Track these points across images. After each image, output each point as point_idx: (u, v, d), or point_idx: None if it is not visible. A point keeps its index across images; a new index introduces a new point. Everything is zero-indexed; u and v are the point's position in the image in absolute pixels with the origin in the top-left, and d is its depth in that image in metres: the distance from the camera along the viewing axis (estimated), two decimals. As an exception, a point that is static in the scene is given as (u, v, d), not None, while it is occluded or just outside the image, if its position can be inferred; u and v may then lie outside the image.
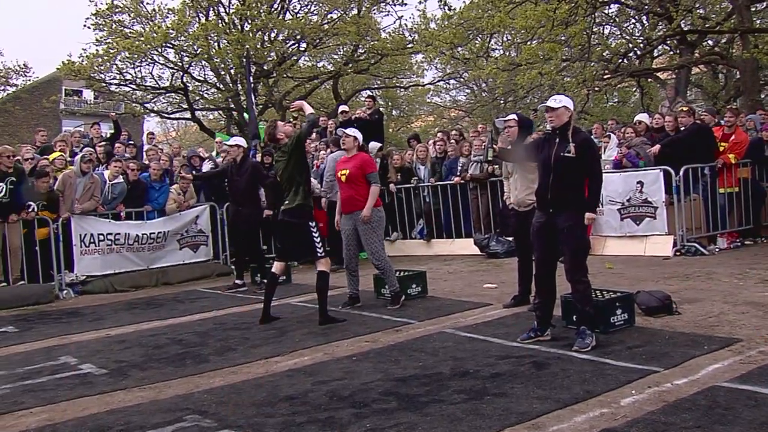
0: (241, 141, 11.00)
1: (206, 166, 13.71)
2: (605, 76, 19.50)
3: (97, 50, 25.47)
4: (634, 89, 29.14)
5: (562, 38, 17.91)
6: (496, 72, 18.74)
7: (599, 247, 11.22)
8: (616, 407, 4.34)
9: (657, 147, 11.30)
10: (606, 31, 25.00)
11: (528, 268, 7.57)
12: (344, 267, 8.67)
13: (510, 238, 11.57)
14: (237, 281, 10.81)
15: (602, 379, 4.88)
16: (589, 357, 5.47)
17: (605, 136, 12.63)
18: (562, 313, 6.58)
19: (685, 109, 12.00)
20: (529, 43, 17.92)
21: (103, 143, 13.88)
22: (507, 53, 28.48)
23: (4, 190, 10.75)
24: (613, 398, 4.50)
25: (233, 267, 11.68)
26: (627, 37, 23.55)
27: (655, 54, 24.05)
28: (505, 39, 26.85)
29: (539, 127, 15.00)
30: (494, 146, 6.93)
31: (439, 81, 35.38)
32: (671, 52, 23.25)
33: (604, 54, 19.33)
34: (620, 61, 19.26)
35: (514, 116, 7.55)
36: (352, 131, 8.56)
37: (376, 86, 34.30)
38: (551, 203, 5.92)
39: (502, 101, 31.89)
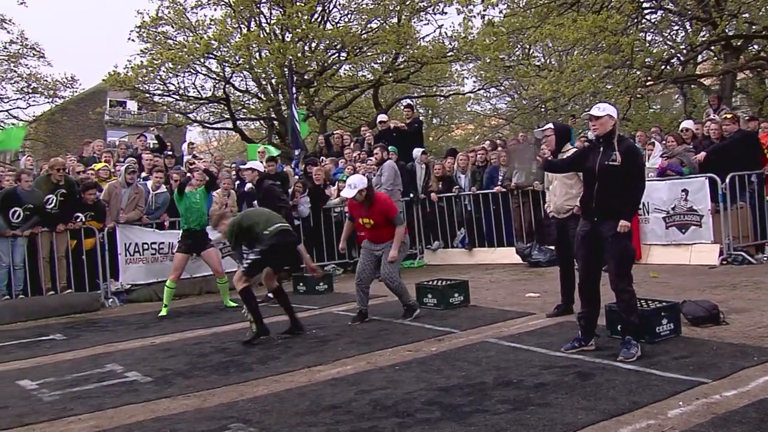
0: (255, 165, 10.89)
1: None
2: (647, 83, 19.30)
3: (141, 61, 25.88)
4: (676, 96, 28.80)
5: (603, 45, 17.76)
6: (546, 87, 18.55)
7: (643, 256, 11.09)
8: (663, 419, 4.28)
9: (702, 154, 11.13)
10: (648, 38, 24.75)
11: (570, 276, 7.52)
12: (357, 280, 8.38)
13: (551, 247, 11.51)
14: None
15: (648, 390, 4.81)
16: (635, 367, 5.40)
17: (649, 144, 12.46)
18: (607, 323, 6.49)
19: (729, 116, 11.82)
20: (574, 53, 17.78)
21: (150, 155, 14.01)
22: (548, 60, 28.37)
23: (54, 201, 10.99)
24: (660, 410, 4.44)
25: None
26: (670, 43, 23.28)
27: (699, 60, 23.72)
28: (546, 47, 26.75)
29: (579, 134, 14.91)
30: (538, 158, 6.88)
31: (479, 89, 35.30)
32: (715, 58, 22.93)
33: (647, 61, 19.09)
34: (663, 67, 19.03)
35: (551, 125, 7.52)
36: (353, 189, 8.00)
37: (416, 95, 34.29)
38: (596, 212, 5.86)
39: (543, 109, 31.71)
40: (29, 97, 28.74)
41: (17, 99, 28.61)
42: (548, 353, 6.10)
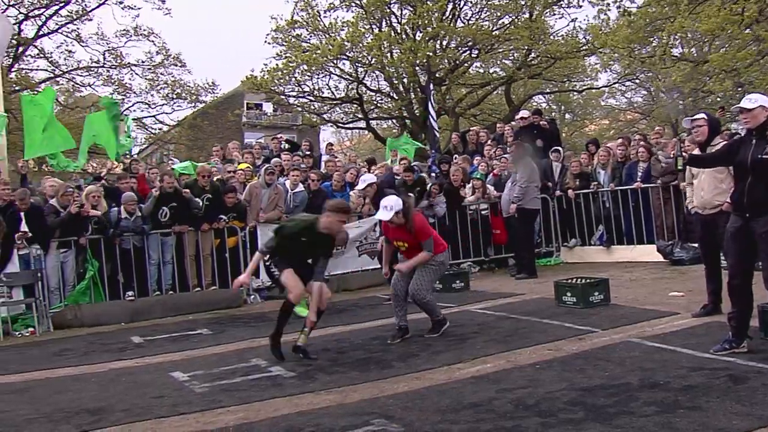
0: (369, 179, 10.66)
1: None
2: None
3: (277, 64, 26.64)
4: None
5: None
6: (682, 79, 17.87)
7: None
8: (832, 428, 4.04)
9: None
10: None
11: (716, 275, 7.23)
12: (392, 296, 7.98)
13: (695, 245, 11.06)
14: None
15: (812, 397, 4.56)
16: (794, 372, 5.12)
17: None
18: (760, 324, 6.19)
19: None
20: (715, 43, 17.05)
21: (288, 155, 14.36)
22: (688, 50, 27.36)
23: (200, 204, 11.47)
24: (828, 419, 4.19)
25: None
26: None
27: None
28: (685, 37, 25.79)
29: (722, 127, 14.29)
30: (684, 154, 6.62)
31: (614, 83, 34.40)
32: None
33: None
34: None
35: (703, 115, 7.17)
36: (389, 211, 7.56)
37: (548, 90, 33.80)
38: (748, 207, 5.61)
39: (681, 102, 30.61)
40: (173, 103, 30.08)
41: (162, 104, 30.01)
42: (696, 354, 5.87)
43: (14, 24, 23.87)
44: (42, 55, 27.42)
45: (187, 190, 11.60)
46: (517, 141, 12.87)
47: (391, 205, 7.56)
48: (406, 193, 11.26)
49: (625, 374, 5.45)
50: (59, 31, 27.45)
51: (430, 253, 7.59)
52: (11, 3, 25.51)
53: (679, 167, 6.45)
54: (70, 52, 27.84)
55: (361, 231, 12.52)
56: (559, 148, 14.26)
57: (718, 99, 26.85)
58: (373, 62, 26.54)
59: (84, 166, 14.66)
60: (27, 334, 10.08)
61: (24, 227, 10.43)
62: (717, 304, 7.28)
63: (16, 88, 25.15)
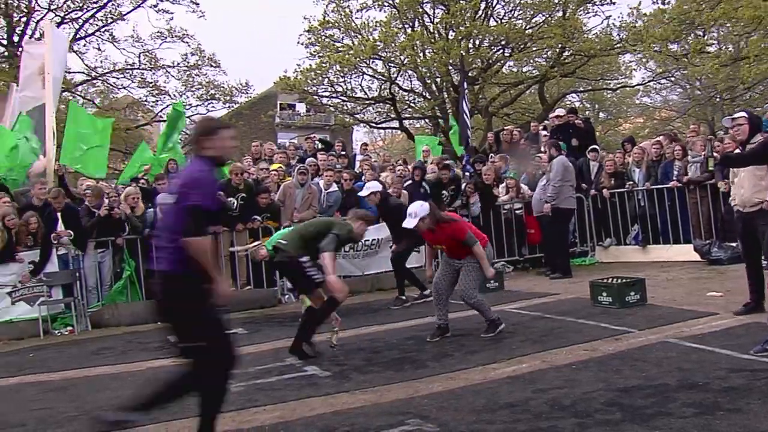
0: (373, 186, 10.64)
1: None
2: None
3: (310, 65, 26.75)
4: None
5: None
6: (717, 69, 17.64)
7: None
8: None
9: None
10: None
11: (758, 273, 7.12)
12: (434, 294, 7.91)
13: (733, 244, 10.92)
14: (424, 293, 10.71)
15: None
16: (837, 373, 5.03)
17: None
18: (802, 324, 6.12)
19: None
20: (753, 35, 16.79)
21: (324, 155, 14.39)
22: (724, 47, 27.00)
23: (234, 204, 11.54)
24: None
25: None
26: None
27: None
28: (722, 32, 25.48)
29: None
30: (715, 154, 6.54)
31: (649, 81, 34.05)
32: None
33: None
34: None
35: (744, 113, 7.07)
36: (414, 218, 7.45)
37: (582, 89, 33.56)
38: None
39: (718, 99, 30.24)
40: (208, 104, 30.31)
41: (197, 105, 30.25)
42: (735, 355, 5.80)
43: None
44: (75, 52, 27.72)
45: (221, 193, 11.68)
46: (552, 140, 12.76)
47: (415, 211, 7.50)
48: (439, 190, 11.26)
49: (662, 375, 5.40)
50: (95, 34, 27.78)
51: (478, 244, 7.46)
52: (50, 7, 25.89)
53: (711, 167, 6.37)
54: (103, 55, 28.23)
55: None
56: (597, 147, 14.15)
57: (756, 95, 26.50)
58: (406, 62, 26.57)
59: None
60: (66, 333, 10.28)
61: (60, 227, 10.62)
62: (759, 302, 7.19)
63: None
